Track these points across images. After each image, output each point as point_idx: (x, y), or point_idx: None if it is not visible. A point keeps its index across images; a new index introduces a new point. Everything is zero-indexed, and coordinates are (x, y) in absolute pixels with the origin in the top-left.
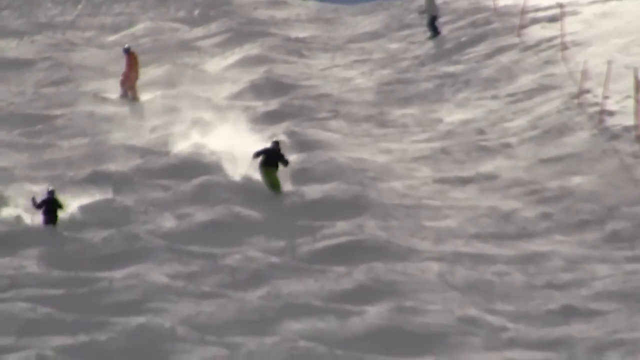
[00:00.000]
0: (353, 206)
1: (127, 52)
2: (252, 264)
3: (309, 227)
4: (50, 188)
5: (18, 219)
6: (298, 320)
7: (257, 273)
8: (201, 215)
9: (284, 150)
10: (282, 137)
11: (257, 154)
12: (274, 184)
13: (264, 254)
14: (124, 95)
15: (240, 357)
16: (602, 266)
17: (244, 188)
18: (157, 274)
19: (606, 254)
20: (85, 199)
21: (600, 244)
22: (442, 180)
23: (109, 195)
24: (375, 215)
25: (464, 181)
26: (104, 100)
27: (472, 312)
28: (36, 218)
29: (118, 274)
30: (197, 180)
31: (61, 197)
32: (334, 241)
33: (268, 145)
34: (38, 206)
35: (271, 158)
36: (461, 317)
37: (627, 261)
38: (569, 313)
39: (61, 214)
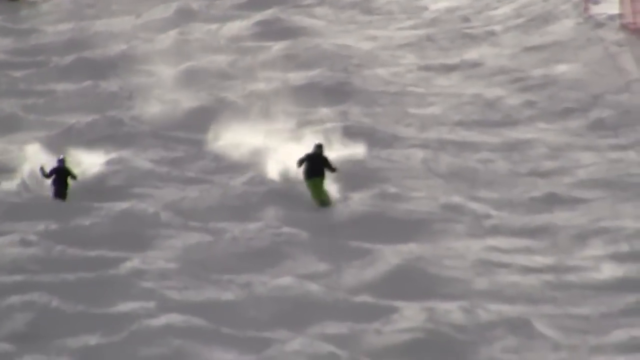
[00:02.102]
0: (338, 93)
1: None
2: (237, 149)
3: (294, 112)
4: (61, 156)
5: None
6: (282, 206)
7: (241, 159)
8: (186, 101)
9: (327, 153)
10: (322, 141)
11: (300, 162)
12: (322, 199)
13: (248, 140)
14: None
15: (224, 243)
16: (586, 154)
17: (230, 74)
18: (141, 159)
19: (590, 142)
20: (69, 84)
21: (584, 132)
22: (427, 68)
23: (93, 80)
24: (359, 102)
25: (448, 68)
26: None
27: (456, 199)
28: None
29: (102, 159)
30: (182, 66)
31: (72, 167)
32: (317, 127)
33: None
34: (47, 175)
35: (316, 165)
36: (445, 204)
37: (611, 149)
38: (552, 201)
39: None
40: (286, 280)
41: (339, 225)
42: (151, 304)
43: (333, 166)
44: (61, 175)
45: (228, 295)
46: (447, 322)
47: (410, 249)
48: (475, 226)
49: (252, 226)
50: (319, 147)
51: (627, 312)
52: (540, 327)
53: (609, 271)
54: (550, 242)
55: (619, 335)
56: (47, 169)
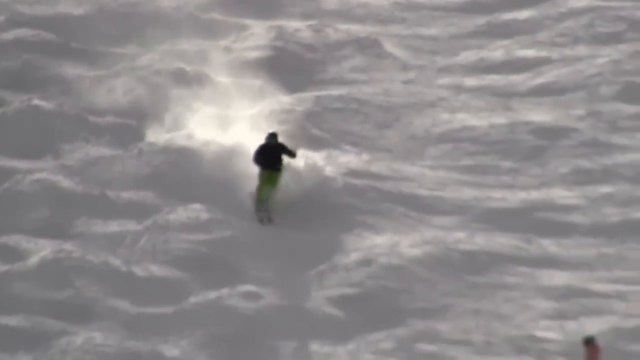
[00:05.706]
0: None
1: None
2: None
3: None
4: None
5: None
6: None
7: None
8: None
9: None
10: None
11: (256, 156)
12: (267, 194)
13: None
14: None
15: None
16: None
17: None
18: None
19: None
20: None
21: None
22: None
23: None
24: None
25: None
26: None
27: None
28: None
29: None
30: None
31: None
32: None
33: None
34: None
35: (274, 157)
36: None
37: None
38: None
39: None
40: None
41: None
42: (1, 18)
43: (293, 152)
44: None
45: (79, 10)
46: (296, 40)
47: None
48: None
49: None
50: (273, 136)
51: (476, 34)
52: (389, 47)
53: None
54: None
55: (468, 56)
56: None
